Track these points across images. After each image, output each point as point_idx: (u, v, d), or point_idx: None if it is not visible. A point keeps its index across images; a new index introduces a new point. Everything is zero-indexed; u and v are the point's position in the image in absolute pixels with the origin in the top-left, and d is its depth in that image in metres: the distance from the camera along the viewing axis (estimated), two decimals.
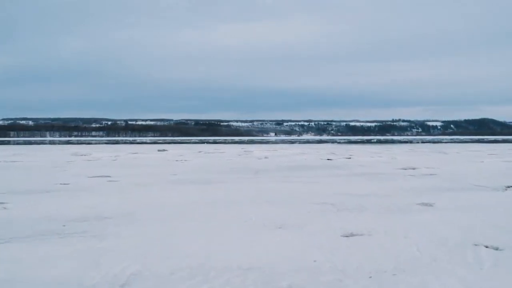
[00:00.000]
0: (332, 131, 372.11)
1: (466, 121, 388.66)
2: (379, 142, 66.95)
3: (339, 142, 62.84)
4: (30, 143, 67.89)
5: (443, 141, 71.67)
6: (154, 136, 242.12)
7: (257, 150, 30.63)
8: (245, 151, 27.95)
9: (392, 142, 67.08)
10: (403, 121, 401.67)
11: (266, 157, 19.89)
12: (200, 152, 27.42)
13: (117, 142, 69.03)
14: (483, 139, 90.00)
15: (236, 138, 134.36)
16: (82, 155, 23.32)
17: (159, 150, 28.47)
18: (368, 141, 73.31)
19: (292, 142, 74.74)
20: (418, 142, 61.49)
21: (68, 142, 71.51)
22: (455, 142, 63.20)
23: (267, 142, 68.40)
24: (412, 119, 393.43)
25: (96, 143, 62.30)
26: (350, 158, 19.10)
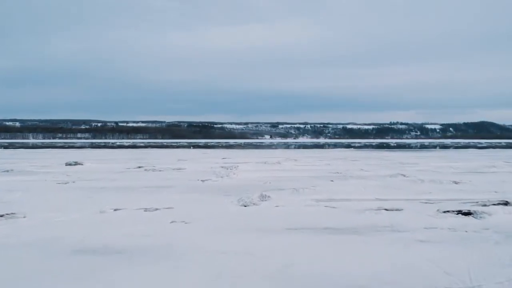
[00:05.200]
0: (329, 134, 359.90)
1: (465, 124, 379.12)
2: (400, 147, 54.21)
3: (354, 147, 49.80)
4: None
5: (477, 145, 59.01)
6: (143, 139, 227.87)
7: (245, 162, 17.85)
8: (222, 167, 15.17)
9: (417, 147, 54.31)
10: (401, 124, 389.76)
11: (263, 198, 7.13)
12: (139, 167, 14.66)
13: (72, 147, 56.17)
14: None
15: (231, 141, 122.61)
16: None
17: (67, 164, 15.64)
18: (387, 146, 60.41)
19: (289, 146, 61.85)
20: (452, 147, 48.91)
21: None
22: (499, 147, 50.50)
23: (263, 146, 55.00)
24: (409, 122, 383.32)
25: (35, 148, 49.19)
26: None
